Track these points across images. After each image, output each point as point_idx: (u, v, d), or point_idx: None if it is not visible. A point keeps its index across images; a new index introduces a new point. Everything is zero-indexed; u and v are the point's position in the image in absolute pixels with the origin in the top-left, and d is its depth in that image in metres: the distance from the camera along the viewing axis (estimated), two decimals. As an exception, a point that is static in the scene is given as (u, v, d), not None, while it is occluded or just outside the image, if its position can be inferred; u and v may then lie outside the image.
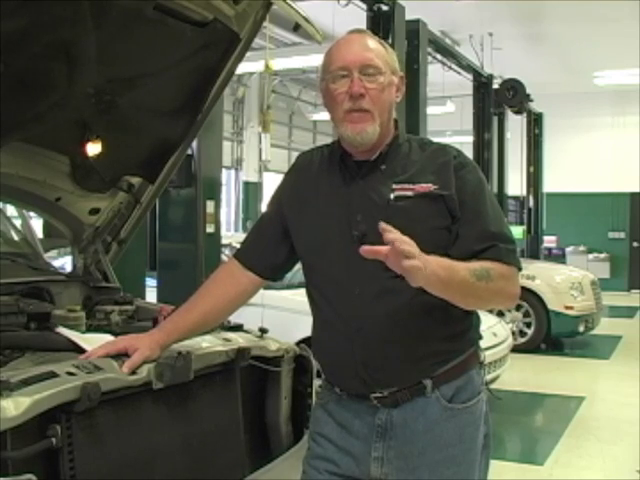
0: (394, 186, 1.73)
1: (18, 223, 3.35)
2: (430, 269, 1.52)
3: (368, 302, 1.72)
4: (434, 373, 1.73)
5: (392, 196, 1.72)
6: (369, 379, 1.74)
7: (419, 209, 1.71)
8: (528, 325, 8.41)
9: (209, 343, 2.13)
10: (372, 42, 1.79)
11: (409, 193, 1.72)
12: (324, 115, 13.57)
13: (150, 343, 1.86)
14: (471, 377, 1.79)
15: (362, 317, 1.72)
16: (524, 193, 12.44)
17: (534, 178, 12.52)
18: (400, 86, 1.83)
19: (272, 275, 1.96)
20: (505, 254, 1.71)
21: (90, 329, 2.32)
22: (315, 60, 8.93)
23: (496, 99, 10.53)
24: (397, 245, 1.46)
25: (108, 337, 2.09)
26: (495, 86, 10.61)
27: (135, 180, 2.94)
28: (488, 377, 4.80)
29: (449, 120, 12.46)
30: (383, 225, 1.50)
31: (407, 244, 1.48)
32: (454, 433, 1.75)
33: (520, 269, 1.75)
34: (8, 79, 2.09)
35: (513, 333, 7.65)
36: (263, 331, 2.38)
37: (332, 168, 1.83)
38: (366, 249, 1.51)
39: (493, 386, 5.38)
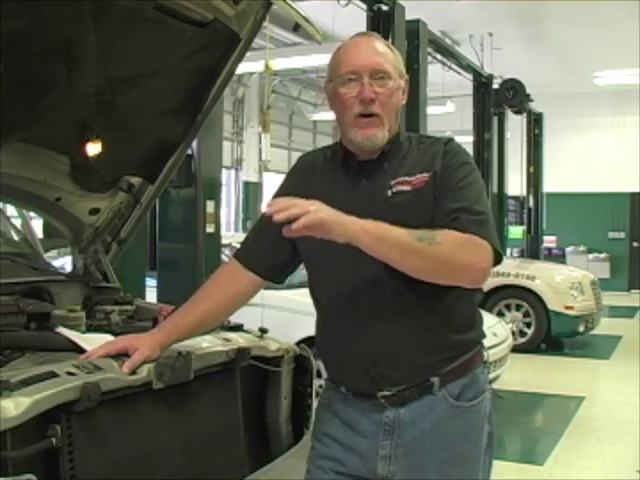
0: (392, 182, 1.74)
1: (18, 223, 3.35)
2: (352, 222, 1.56)
3: (375, 300, 1.72)
4: (441, 371, 1.73)
5: (389, 193, 1.73)
6: (378, 377, 1.74)
7: (416, 204, 1.71)
8: (528, 325, 8.41)
9: (209, 343, 2.13)
10: (381, 45, 1.79)
11: (407, 188, 1.72)
12: (324, 115, 13.58)
13: (150, 343, 1.86)
14: (476, 375, 1.80)
15: (369, 315, 1.73)
16: (524, 193, 12.46)
17: (534, 178, 12.54)
18: (405, 89, 1.84)
19: (273, 276, 1.95)
20: (466, 223, 1.65)
21: (90, 329, 2.32)
22: (315, 60, 8.93)
23: (496, 99, 10.55)
24: (277, 219, 1.53)
25: (108, 337, 2.09)
26: (495, 86, 10.62)
27: (135, 180, 2.94)
28: (489, 377, 4.79)
29: (449, 120, 12.46)
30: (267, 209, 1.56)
31: (284, 213, 1.53)
32: (460, 431, 1.75)
33: (491, 243, 1.65)
34: (8, 79, 2.08)
35: (513, 333, 7.66)
36: (263, 331, 2.38)
37: (335, 168, 1.84)
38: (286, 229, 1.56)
39: (493, 386, 5.37)
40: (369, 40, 1.81)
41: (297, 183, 1.91)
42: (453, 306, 1.74)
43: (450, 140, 1.81)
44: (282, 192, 1.94)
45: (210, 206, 5.46)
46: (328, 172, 1.85)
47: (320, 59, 8.65)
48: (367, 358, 1.74)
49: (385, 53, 1.78)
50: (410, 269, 1.63)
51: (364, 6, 6.42)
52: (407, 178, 1.73)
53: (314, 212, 1.54)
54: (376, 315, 1.72)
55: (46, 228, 4.95)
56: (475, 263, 1.64)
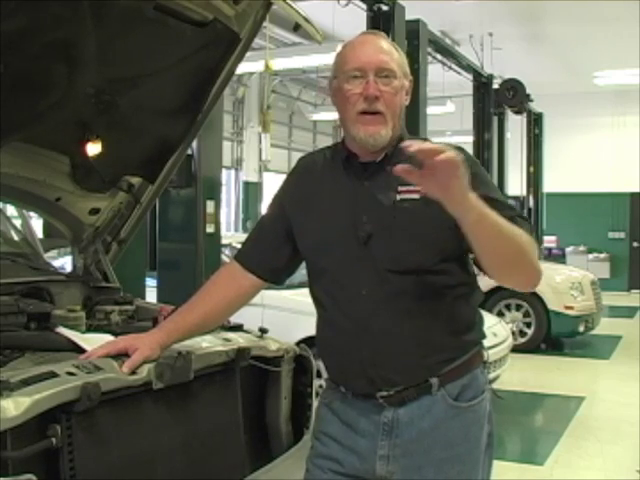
0: (400, 188, 1.72)
1: (18, 223, 3.35)
2: (470, 195, 1.48)
3: (375, 302, 1.72)
4: (440, 371, 1.74)
5: (398, 197, 1.72)
6: (376, 378, 1.74)
7: (425, 210, 1.69)
8: (528, 325, 8.41)
9: (209, 343, 2.13)
10: (387, 45, 1.80)
11: (415, 196, 1.69)
12: (324, 115, 13.58)
13: (150, 343, 1.86)
14: (476, 376, 1.80)
15: (369, 316, 1.73)
16: (524, 193, 12.44)
17: (534, 178, 12.53)
18: (409, 90, 1.84)
19: (273, 278, 1.95)
20: (528, 229, 1.66)
21: (90, 329, 2.32)
22: (315, 60, 8.93)
23: (496, 99, 10.54)
24: (413, 149, 1.41)
25: (108, 337, 2.09)
26: (495, 86, 10.62)
27: (135, 180, 2.94)
28: (489, 377, 4.78)
29: (449, 120, 12.46)
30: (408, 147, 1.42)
31: (420, 145, 1.43)
32: (459, 432, 1.75)
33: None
34: (8, 79, 2.09)
35: (513, 333, 7.65)
36: (263, 331, 2.38)
37: (337, 169, 1.83)
38: (398, 168, 1.45)
39: (493, 386, 5.36)
40: (376, 38, 1.81)
41: (297, 184, 1.91)
42: (452, 308, 1.74)
43: (460, 149, 1.78)
44: (282, 193, 1.95)
45: (210, 206, 5.46)
46: (329, 172, 1.85)
47: (320, 59, 8.64)
48: (365, 360, 1.74)
49: (391, 52, 1.78)
50: (490, 252, 1.58)
51: (364, 6, 6.41)
52: (415, 187, 1.72)
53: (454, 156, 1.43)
54: (375, 317, 1.72)
55: (46, 228, 4.95)
56: (540, 271, 1.68)
